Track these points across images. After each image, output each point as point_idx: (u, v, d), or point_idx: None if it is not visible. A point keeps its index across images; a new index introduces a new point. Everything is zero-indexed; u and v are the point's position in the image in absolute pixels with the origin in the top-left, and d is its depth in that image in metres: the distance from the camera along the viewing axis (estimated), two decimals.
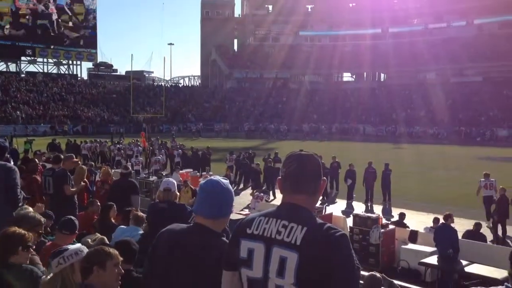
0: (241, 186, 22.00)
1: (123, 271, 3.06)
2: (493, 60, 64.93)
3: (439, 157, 33.61)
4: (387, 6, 79.80)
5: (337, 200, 18.76)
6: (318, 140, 48.98)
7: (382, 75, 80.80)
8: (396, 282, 5.70)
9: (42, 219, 4.46)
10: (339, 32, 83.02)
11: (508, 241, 12.53)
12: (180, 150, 26.77)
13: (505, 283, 1.99)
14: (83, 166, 9.67)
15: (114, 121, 61.25)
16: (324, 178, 2.21)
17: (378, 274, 5.29)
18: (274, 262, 2.00)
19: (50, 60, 74.57)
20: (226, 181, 2.58)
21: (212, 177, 2.62)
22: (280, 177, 2.19)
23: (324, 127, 60.66)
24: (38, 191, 8.33)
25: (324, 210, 13.68)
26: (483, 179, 14.82)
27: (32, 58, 72.27)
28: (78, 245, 3.25)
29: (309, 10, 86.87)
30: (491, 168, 27.30)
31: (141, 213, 6.70)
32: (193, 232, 2.50)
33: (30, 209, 5.06)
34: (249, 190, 20.30)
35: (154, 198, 14.68)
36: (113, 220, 7.05)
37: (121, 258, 3.07)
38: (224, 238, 2.48)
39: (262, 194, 16.10)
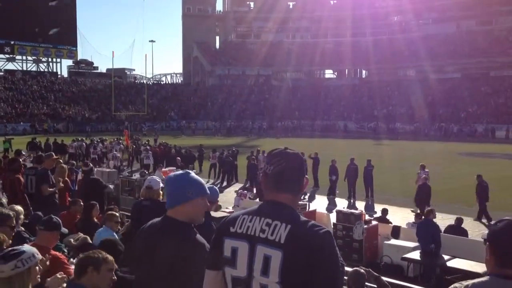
0: (225, 183, 21.94)
1: (115, 277, 3.04)
2: (471, 57, 65.85)
3: (420, 153, 33.96)
4: (367, 3, 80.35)
5: (318, 196, 18.79)
6: (276, 137, 48.87)
7: (364, 71, 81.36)
8: None
9: (11, 213, 4.39)
10: (321, 28, 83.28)
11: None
12: (148, 147, 26.75)
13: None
14: (64, 165, 9.57)
15: (92, 120, 60.62)
16: (307, 176, 2.21)
17: (362, 269, 5.32)
18: (258, 260, 1.98)
19: (29, 58, 73.45)
20: (178, 172, 2.70)
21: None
22: (263, 174, 2.16)
23: (281, 124, 60.38)
24: (20, 191, 8.18)
25: (307, 207, 13.73)
26: (422, 170, 16.34)
27: (11, 55, 71.09)
28: (32, 248, 3.05)
29: (291, 6, 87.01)
30: (471, 163, 27.79)
31: (116, 213, 6.57)
32: (160, 226, 2.62)
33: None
34: (232, 188, 20.28)
35: (138, 197, 14.60)
36: (95, 220, 6.98)
37: (116, 266, 3.05)
38: (190, 229, 2.57)
39: (245, 191, 16.08)
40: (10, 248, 2.97)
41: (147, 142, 30.50)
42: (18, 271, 2.83)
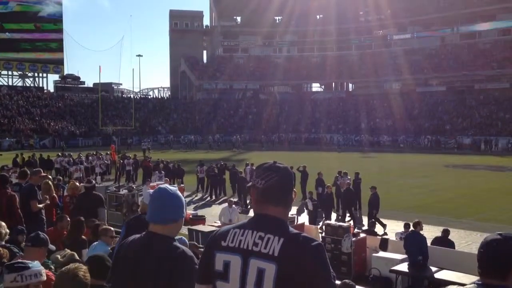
0: (213, 197, 21.87)
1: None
2: (455, 70, 66.80)
3: (407, 165, 34.21)
4: (352, 17, 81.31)
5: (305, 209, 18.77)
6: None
7: (350, 85, 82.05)
8: None
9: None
10: (307, 42, 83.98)
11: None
12: (131, 160, 26.66)
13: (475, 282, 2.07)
14: (50, 182, 9.49)
15: (76, 134, 60.07)
16: (295, 189, 2.23)
17: (350, 282, 5.39)
18: (251, 274, 2.00)
19: (15, 73, 72.92)
20: (174, 188, 2.61)
21: (160, 186, 2.67)
22: (253, 188, 2.17)
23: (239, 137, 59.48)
24: (18, 208, 7.81)
25: (296, 220, 13.74)
26: (345, 177, 18.15)
27: None
28: (40, 267, 2.99)
29: (277, 21, 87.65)
30: (456, 175, 28.03)
31: (110, 227, 6.59)
32: (145, 241, 2.51)
33: None
34: (220, 202, 20.21)
35: (125, 212, 14.51)
36: (82, 236, 6.92)
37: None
38: (176, 243, 2.49)
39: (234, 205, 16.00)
40: (19, 261, 2.91)
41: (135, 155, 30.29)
42: (15, 285, 2.74)
